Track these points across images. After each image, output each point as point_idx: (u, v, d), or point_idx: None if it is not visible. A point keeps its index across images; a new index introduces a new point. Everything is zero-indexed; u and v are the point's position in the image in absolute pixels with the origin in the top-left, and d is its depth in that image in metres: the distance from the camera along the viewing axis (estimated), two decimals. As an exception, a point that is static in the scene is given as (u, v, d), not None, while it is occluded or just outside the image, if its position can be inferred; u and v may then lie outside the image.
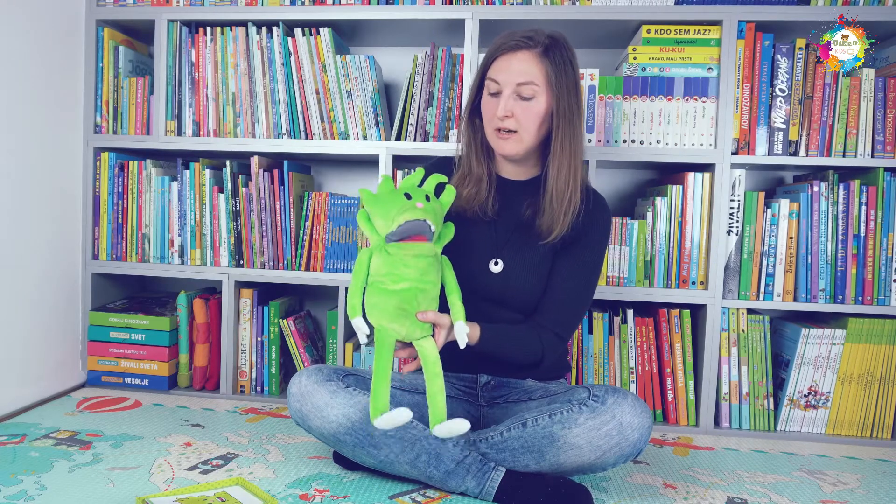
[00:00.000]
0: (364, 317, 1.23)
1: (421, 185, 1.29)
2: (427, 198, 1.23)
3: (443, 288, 1.29)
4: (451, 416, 1.40)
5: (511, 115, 1.30)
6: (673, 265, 1.76)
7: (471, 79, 1.75)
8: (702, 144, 1.73)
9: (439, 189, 1.33)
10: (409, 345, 1.25)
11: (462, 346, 1.25)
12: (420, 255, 1.21)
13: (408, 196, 1.21)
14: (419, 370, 1.30)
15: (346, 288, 1.26)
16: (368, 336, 1.23)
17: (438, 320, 1.23)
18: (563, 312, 1.38)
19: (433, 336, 1.25)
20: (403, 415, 1.16)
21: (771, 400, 1.75)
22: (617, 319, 1.78)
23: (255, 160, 1.86)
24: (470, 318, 1.31)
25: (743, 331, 1.74)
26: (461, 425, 1.18)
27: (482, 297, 1.38)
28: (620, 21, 1.75)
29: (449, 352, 1.33)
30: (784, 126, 1.71)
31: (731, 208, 1.72)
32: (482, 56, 1.75)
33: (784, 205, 1.72)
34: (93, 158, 1.93)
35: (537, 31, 1.32)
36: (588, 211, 1.36)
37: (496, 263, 1.38)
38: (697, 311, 1.78)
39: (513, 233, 1.40)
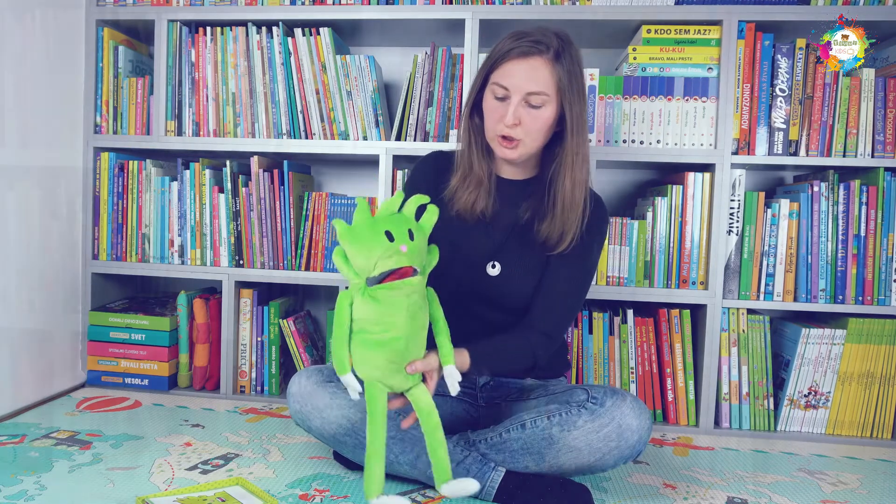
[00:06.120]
0: (352, 369, 1.15)
1: (401, 208, 1.16)
2: (410, 234, 1.11)
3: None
4: (450, 415, 1.41)
5: (519, 123, 1.25)
6: (673, 265, 1.76)
7: (471, 78, 1.74)
8: (702, 144, 1.73)
9: (419, 210, 1.21)
10: (402, 394, 1.19)
11: (454, 393, 1.18)
12: (411, 294, 1.11)
13: (389, 236, 1.09)
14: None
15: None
16: (360, 393, 1.15)
17: (427, 367, 1.17)
18: (556, 314, 1.35)
19: (424, 381, 1.19)
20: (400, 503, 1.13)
21: (771, 400, 1.75)
22: (617, 319, 1.78)
23: (255, 160, 1.86)
24: (463, 319, 1.28)
25: (743, 331, 1.74)
26: (470, 485, 1.15)
27: (477, 300, 1.36)
28: (620, 21, 1.75)
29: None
30: (784, 126, 1.71)
31: (732, 208, 1.72)
32: (482, 56, 1.76)
33: (784, 205, 1.72)
34: (93, 158, 1.93)
35: (545, 31, 1.25)
36: (590, 214, 1.33)
37: (493, 266, 1.36)
38: (697, 311, 1.78)
39: (510, 235, 1.36)
